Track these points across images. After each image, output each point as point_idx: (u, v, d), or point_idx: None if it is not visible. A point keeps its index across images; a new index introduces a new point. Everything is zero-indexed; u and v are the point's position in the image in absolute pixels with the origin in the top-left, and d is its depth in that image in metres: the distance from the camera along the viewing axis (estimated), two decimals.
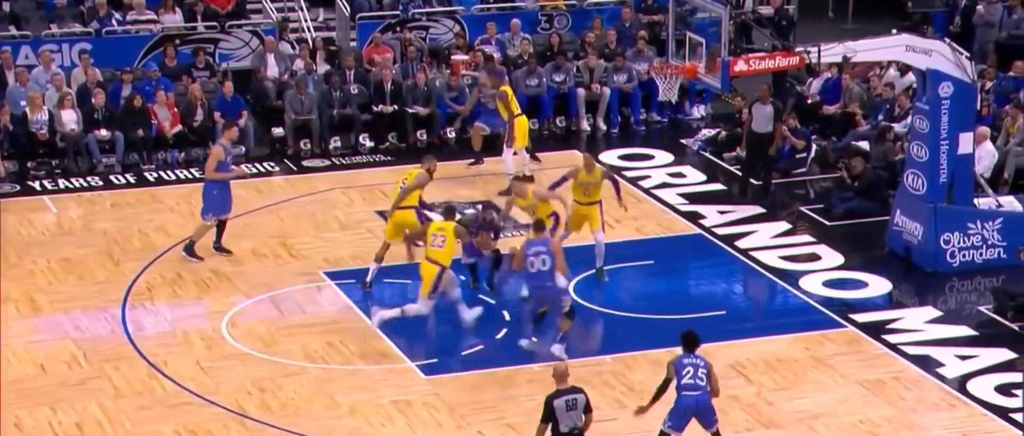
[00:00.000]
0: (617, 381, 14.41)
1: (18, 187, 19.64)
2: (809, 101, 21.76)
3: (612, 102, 22.16)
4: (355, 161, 20.75)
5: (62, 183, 19.88)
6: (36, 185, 19.74)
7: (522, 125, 19.37)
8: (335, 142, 21.14)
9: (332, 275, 16.78)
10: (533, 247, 14.43)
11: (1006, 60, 21.63)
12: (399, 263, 16.02)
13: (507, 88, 19.66)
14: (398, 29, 22.66)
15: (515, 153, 19.37)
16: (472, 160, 20.11)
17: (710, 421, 12.40)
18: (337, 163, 20.64)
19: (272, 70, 21.74)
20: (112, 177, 19.88)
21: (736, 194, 19.40)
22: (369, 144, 21.22)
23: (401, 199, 16.11)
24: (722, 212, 18.77)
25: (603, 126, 22.18)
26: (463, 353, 15.03)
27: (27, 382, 14.42)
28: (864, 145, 20.00)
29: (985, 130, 18.67)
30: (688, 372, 12.27)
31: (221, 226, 17.29)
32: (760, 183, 19.33)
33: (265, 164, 20.70)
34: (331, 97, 21.30)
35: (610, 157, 20.96)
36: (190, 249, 17.08)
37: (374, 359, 14.80)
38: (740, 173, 19.77)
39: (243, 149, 18.67)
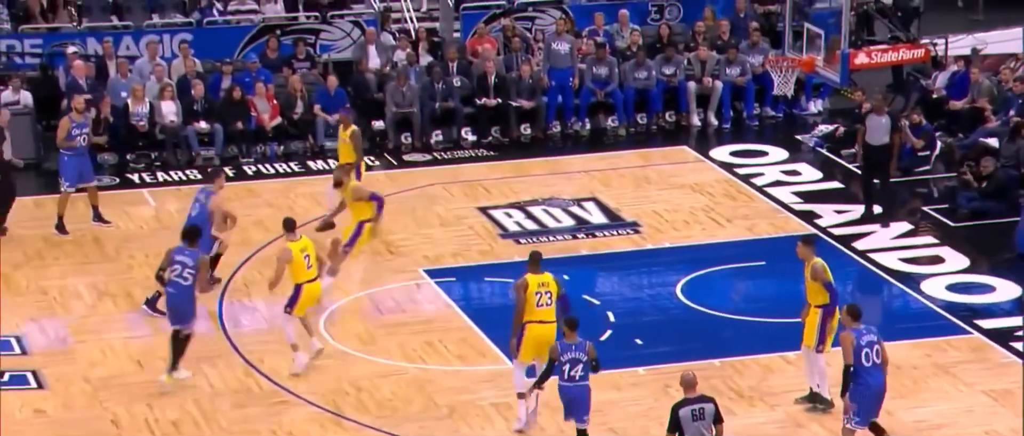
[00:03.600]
0: (725, 386, 14.33)
1: (117, 180, 20.07)
2: (934, 96, 21.41)
3: (724, 96, 22.01)
4: (457, 155, 20.89)
5: (161, 176, 20.28)
6: (135, 178, 20.15)
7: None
8: (437, 136, 21.29)
9: (432, 273, 16.90)
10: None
11: None
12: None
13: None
14: (502, 19, 22.73)
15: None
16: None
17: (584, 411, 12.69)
18: (438, 158, 20.78)
19: (373, 62, 21.96)
20: (211, 170, 20.19)
21: (853, 194, 19.09)
22: (471, 138, 21.34)
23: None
24: (839, 211, 18.55)
25: (714, 121, 22.06)
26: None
27: (125, 378, 14.75)
28: (993, 142, 19.61)
29: None
30: None
31: (93, 197, 18.07)
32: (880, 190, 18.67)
33: (366, 159, 20.88)
34: (433, 90, 21.44)
35: (721, 153, 20.83)
36: (59, 225, 17.84)
37: (474, 360, 14.89)
38: (860, 174, 19.13)
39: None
